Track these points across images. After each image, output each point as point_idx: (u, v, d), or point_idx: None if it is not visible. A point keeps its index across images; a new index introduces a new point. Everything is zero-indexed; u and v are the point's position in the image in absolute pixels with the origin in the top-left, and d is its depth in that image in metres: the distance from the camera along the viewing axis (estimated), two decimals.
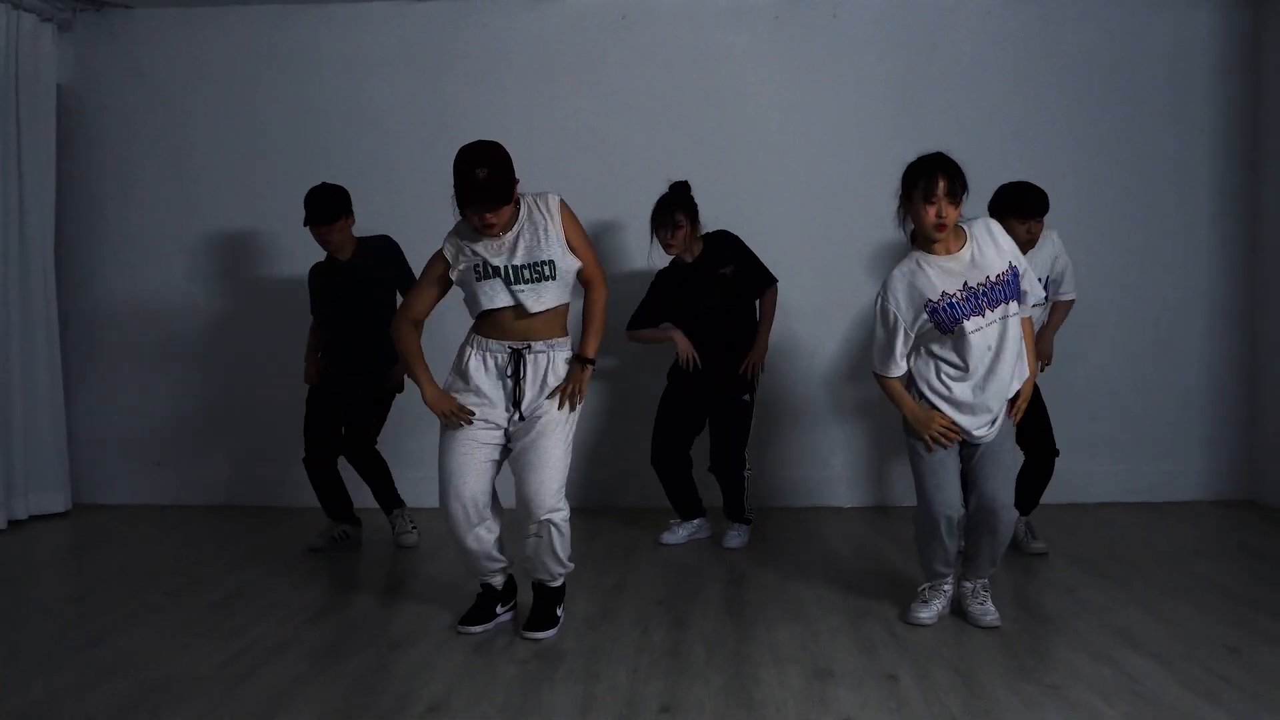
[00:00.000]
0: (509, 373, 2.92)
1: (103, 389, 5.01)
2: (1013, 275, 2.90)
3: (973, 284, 2.86)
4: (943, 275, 2.87)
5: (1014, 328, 2.91)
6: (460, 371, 2.98)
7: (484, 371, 2.94)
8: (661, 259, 4.15)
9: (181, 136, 4.95)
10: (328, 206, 3.88)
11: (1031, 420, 3.47)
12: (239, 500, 4.92)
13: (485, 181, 2.75)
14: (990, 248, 2.91)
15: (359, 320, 3.98)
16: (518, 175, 2.87)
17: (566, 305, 2.99)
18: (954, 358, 2.92)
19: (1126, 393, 4.82)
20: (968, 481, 3.01)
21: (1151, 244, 4.80)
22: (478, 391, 2.93)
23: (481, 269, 2.88)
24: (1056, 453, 3.82)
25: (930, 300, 2.87)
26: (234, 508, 4.87)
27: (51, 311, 4.77)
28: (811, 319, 4.74)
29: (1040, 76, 4.78)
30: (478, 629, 3.04)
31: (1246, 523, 4.41)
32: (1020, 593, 3.38)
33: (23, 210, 4.62)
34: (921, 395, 2.98)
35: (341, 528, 4.11)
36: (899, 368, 2.98)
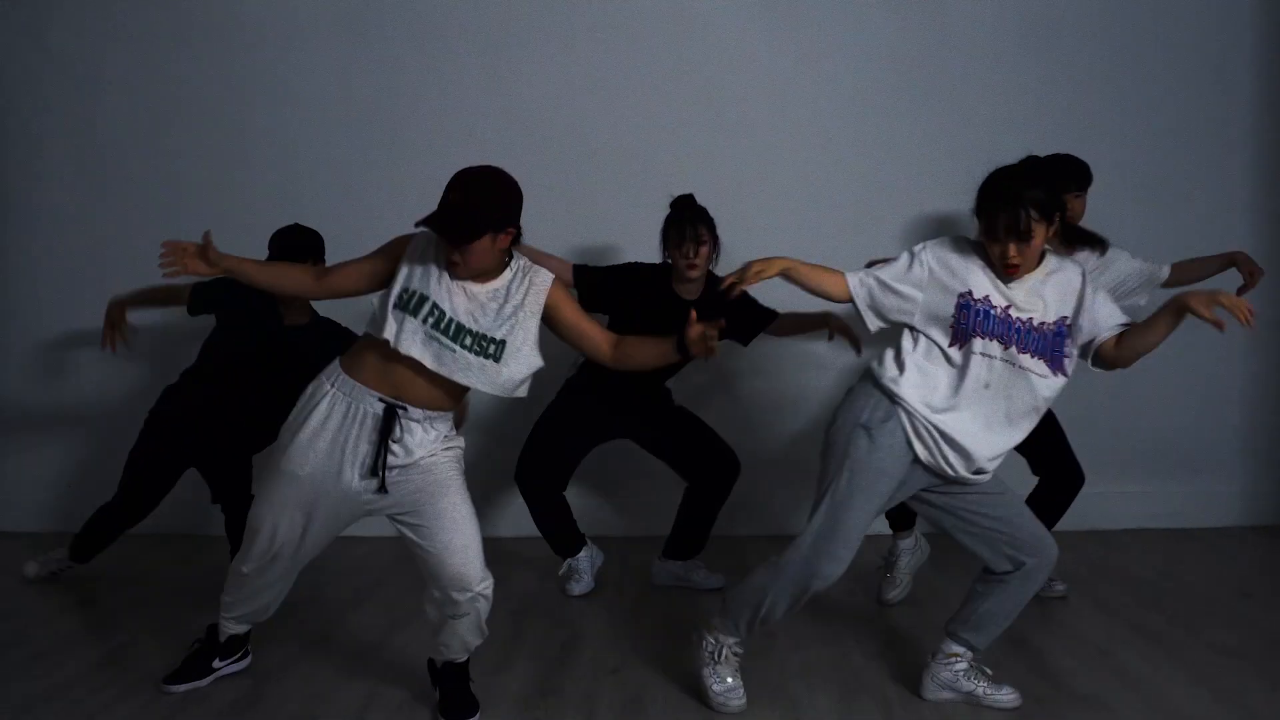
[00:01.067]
0: (373, 434, 2.33)
1: (28, 415, 4.46)
2: (1056, 332, 2.37)
3: (1016, 315, 2.36)
4: (997, 283, 2.38)
5: (1027, 389, 2.38)
6: (307, 416, 2.36)
7: (331, 421, 2.34)
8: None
9: (96, 119, 4.37)
10: (298, 246, 3.29)
11: (1042, 442, 2.98)
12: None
13: (455, 206, 2.23)
14: (1054, 291, 2.40)
15: (272, 390, 3.13)
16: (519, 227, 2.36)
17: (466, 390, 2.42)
18: (941, 381, 2.39)
19: (1154, 404, 4.26)
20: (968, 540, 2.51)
21: (1184, 238, 4.22)
22: (316, 446, 2.34)
23: (415, 303, 2.29)
24: (1082, 478, 3.33)
25: (969, 293, 2.35)
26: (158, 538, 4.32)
27: None
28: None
29: (1048, 48, 4.21)
30: (182, 687, 2.64)
31: None
32: (1041, 655, 2.87)
33: None
34: (898, 397, 2.38)
35: (63, 557, 3.58)
36: (858, 291, 2.42)
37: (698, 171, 3.92)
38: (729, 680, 2.48)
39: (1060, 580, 3.36)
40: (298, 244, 3.31)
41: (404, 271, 2.33)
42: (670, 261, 3.35)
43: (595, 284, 3.38)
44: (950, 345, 2.37)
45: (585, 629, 3.14)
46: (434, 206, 2.27)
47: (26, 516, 4.40)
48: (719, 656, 2.49)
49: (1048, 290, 2.38)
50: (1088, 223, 3.41)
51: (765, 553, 2.57)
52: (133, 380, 4.32)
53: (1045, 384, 2.38)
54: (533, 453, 3.47)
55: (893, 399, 2.38)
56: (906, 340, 2.43)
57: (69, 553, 3.56)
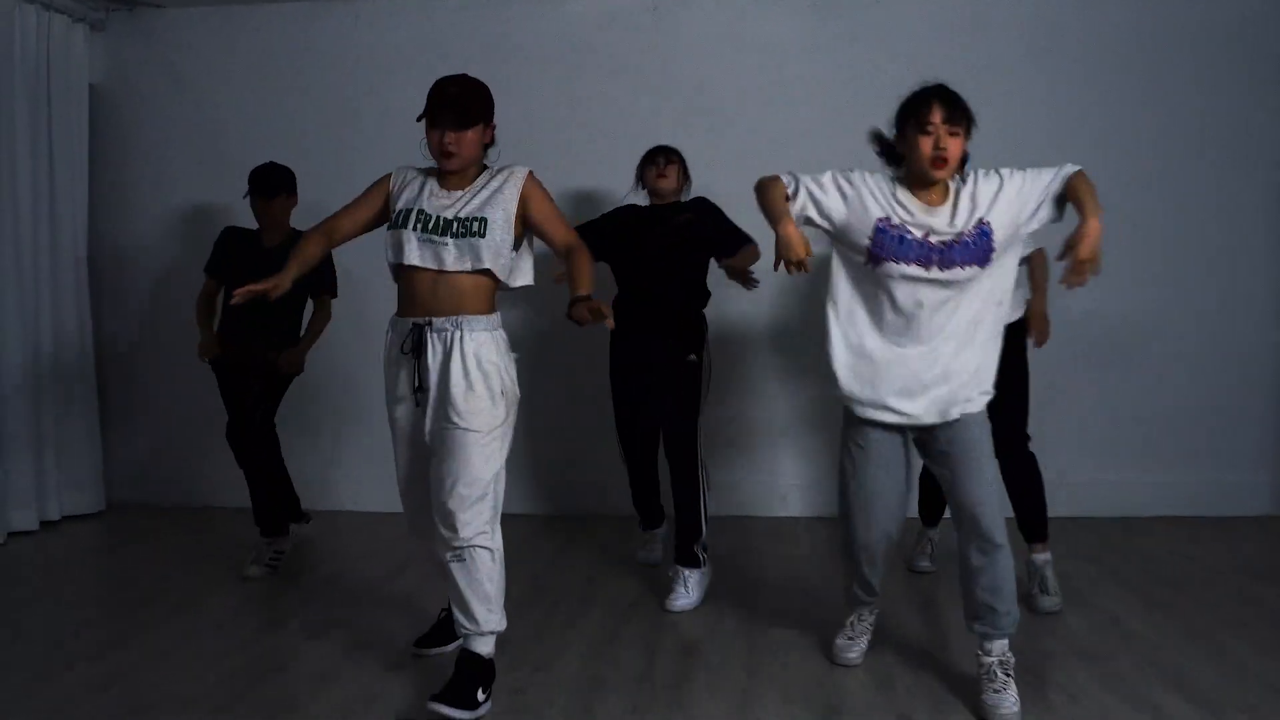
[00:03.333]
0: (406, 349, 2.57)
1: (137, 389, 5.02)
2: (979, 234, 2.47)
3: (935, 238, 2.48)
4: (912, 210, 2.50)
5: (971, 299, 2.51)
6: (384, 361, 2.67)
7: (390, 356, 2.63)
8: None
9: (214, 134, 4.92)
10: (270, 180, 3.80)
11: (1003, 389, 2.73)
12: None
13: (455, 96, 2.54)
14: (966, 200, 2.50)
15: (268, 306, 3.48)
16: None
17: (492, 284, 2.60)
18: (872, 305, 2.56)
19: (1176, 395, 4.48)
20: (943, 494, 2.65)
21: (1205, 235, 4.47)
22: (392, 382, 2.63)
23: (404, 217, 2.57)
24: (1028, 439, 3.27)
25: (883, 219, 2.49)
26: None
27: (84, 311, 4.79)
28: None
29: (1088, 59, 4.47)
30: (433, 651, 2.90)
31: None
32: (1059, 620, 3.16)
33: (54, 210, 4.63)
34: (828, 336, 2.61)
35: (276, 545, 3.81)
36: (796, 197, 2.57)
37: (751, 177, 4.28)
38: (848, 655, 2.81)
39: (1056, 595, 3.27)
40: (272, 180, 3.84)
41: (392, 199, 2.66)
42: (646, 189, 3.70)
43: (591, 247, 3.49)
44: (866, 264, 2.52)
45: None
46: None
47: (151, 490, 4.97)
48: (847, 631, 2.84)
49: (963, 201, 2.50)
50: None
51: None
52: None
53: (976, 284, 2.50)
54: (621, 426, 3.72)
55: (846, 399, 2.62)
56: (829, 309, 2.61)
57: (262, 533, 3.81)
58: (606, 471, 4.35)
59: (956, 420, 2.55)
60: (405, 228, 2.57)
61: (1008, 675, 2.50)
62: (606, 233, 3.64)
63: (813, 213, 2.59)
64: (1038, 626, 3.06)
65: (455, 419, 2.49)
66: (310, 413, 4.61)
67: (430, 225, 2.55)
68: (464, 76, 2.62)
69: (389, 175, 2.74)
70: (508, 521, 2.61)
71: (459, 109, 2.54)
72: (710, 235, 3.61)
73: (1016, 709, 2.45)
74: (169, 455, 4.99)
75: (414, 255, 2.55)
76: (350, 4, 4.79)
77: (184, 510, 4.82)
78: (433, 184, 2.64)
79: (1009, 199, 2.50)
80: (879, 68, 4.51)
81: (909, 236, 2.48)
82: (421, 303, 2.57)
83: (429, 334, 2.54)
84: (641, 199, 3.77)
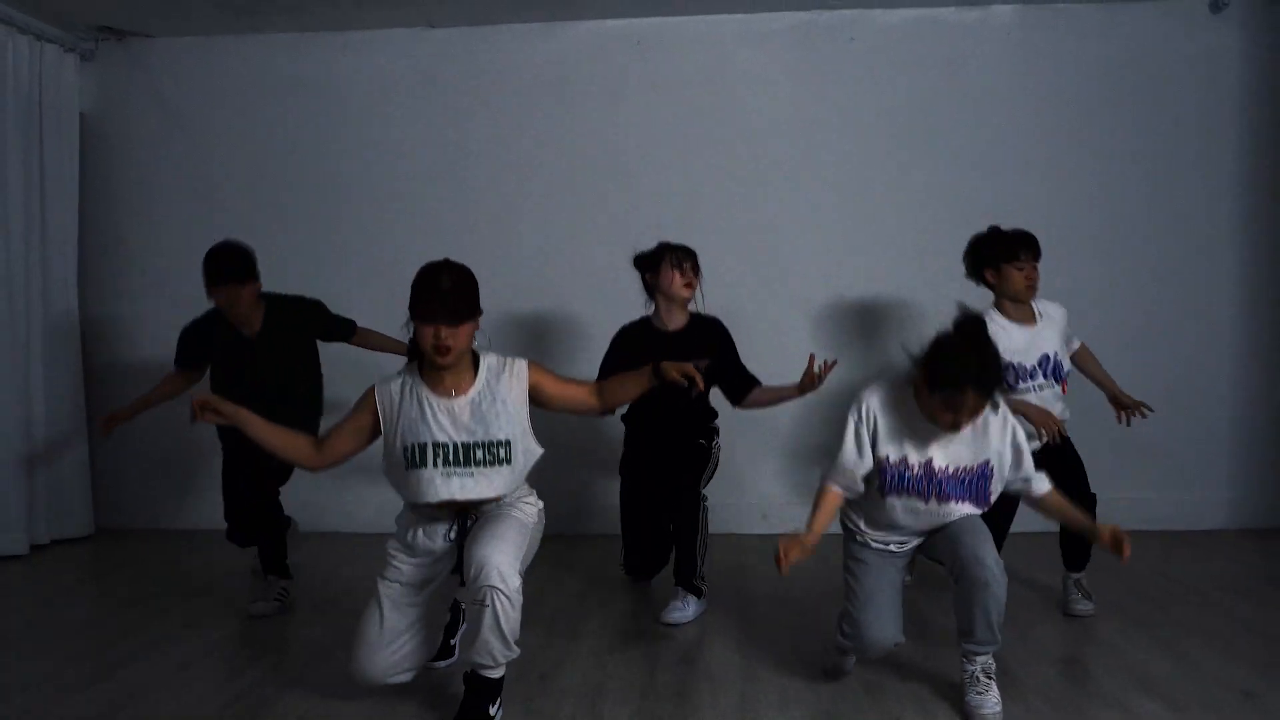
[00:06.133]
0: (451, 536, 2.60)
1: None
2: (980, 475, 2.62)
3: (939, 466, 2.61)
4: (921, 434, 2.59)
5: (959, 510, 2.66)
6: (403, 543, 2.66)
7: (428, 540, 2.62)
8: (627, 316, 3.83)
9: (202, 162, 5.01)
10: (240, 262, 3.43)
11: (1066, 466, 3.30)
12: None
13: (447, 291, 2.45)
14: (980, 437, 2.60)
15: (276, 396, 3.38)
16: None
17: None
18: (884, 508, 2.71)
19: (1147, 419, 4.69)
20: (938, 553, 2.78)
21: (1175, 263, 4.72)
22: (422, 553, 2.64)
23: (419, 453, 2.50)
24: (1094, 498, 3.50)
25: (885, 459, 2.63)
26: None
27: (74, 335, 4.84)
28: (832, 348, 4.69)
29: (1061, 95, 4.71)
30: (441, 664, 2.96)
31: (1276, 553, 4.31)
32: (1034, 630, 3.32)
33: (45, 236, 4.70)
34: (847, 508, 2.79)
35: (281, 584, 3.72)
36: (846, 478, 2.67)
37: (732, 209, 4.47)
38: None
39: (1090, 601, 3.51)
40: (243, 262, 3.49)
41: (388, 428, 2.55)
42: (654, 300, 3.65)
43: (616, 368, 3.46)
44: (876, 489, 2.68)
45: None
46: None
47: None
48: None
49: (974, 437, 2.60)
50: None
51: None
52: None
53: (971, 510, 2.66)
54: (630, 555, 3.83)
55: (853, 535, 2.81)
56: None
57: (265, 571, 3.69)
58: (593, 492, 4.48)
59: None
60: (425, 467, 2.50)
61: (989, 679, 2.64)
62: (626, 355, 3.58)
63: (867, 465, 2.66)
64: (1017, 634, 3.21)
65: (494, 518, 2.56)
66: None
67: (452, 457, 2.51)
68: (451, 266, 2.52)
69: (371, 394, 2.60)
70: None
71: (453, 306, 2.46)
72: (722, 373, 3.66)
73: (998, 709, 2.59)
74: (157, 480, 5.03)
75: (444, 493, 2.52)
76: (339, 34, 4.90)
77: (172, 535, 4.87)
78: (426, 394, 2.54)
79: (1008, 460, 2.65)
80: (859, 99, 4.72)
81: (909, 474, 2.62)
82: (457, 507, 2.58)
83: (471, 515, 2.59)
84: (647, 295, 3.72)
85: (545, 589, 3.87)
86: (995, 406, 2.59)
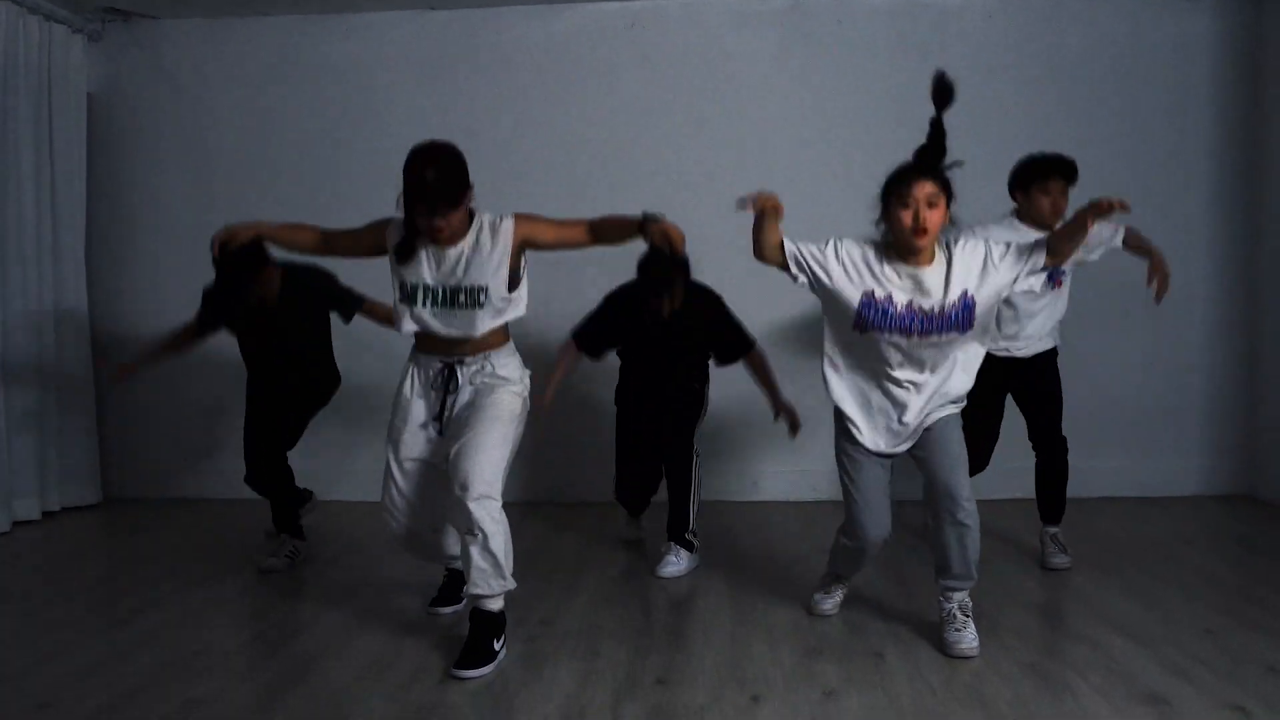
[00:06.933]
0: (436, 384, 2.86)
1: (132, 385, 5.17)
2: (962, 307, 2.70)
3: (917, 306, 2.70)
4: (896, 280, 2.71)
5: (948, 353, 2.76)
6: (399, 390, 2.91)
7: (414, 388, 2.88)
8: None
9: (207, 142, 5.13)
10: (257, 252, 3.50)
11: (1041, 402, 3.51)
12: None
13: (434, 182, 2.61)
14: (958, 268, 2.70)
15: (296, 355, 3.82)
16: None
17: (504, 324, 2.87)
18: (865, 360, 2.81)
19: (1124, 388, 4.92)
20: (918, 464, 2.86)
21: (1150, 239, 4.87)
22: (405, 410, 2.87)
23: (414, 292, 2.78)
24: (1064, 442, 3.67)
25: (871, 292, 2.71)
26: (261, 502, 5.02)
27: (82, 311, 4.97)
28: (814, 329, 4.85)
29: (1042, 78, 4.87)
30: (447, 610, 3.14)
31: (1243, 517, 4.49)
32: (1010, 580, 3.49)
33: (55, 214, 4.82)
34: (833, 391, 2.85)
35: (293, 542, 3.87)
36: (787, 250, 2.80)
37: (720, 188, 4.59)
38: (824, 605, 3.11)
39: (1066, 554, 3.64)
40: (260, 252, 3.52)
41: (393, 262, 2.79)
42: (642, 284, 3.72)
43: (596, 337, 3.84)
44: (854, 329, 2.74)
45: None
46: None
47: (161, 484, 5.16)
48: (824, 587, 3.13)
49: (950, 271, 2.70)
50: None
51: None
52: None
53: (958, 343, 2.74)
54: (621, 486, 3.99)
55: (839, 417, 2.87)
56: (827, 343, 2.86)
57: (278, 530, 3.90)
58: (588, 459, 4.63)
59: (931, 425, 2.82)
60: (417, 305, 2.79)
61: (967, 617, 2.80)
62: (619, 324, 3.79)
63: (811, 262, 2.78)
64: (994, 584, 3.37)
65: (474, 415, 2.76)
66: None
67: (440, 299, 2.78)
68: (435, 154, 2.65)
69: (388, 223, 2.84)
70: None
71: (442, 194, 2.63)
72: (715, 341, 3.84)
73: (976, 644, 2.75)
74: (165, 448, 5.17)
75: (432, 326, 2.80)
76: (343, 16, 5.04)
77: (180, 503, 5.00)
78: (425, 241, 2.76)
79: (992, 274, 2.71)
80: (845, 80, 4.88)
81: (892, 310, 2.70)
82: (447, 348, 2.83)
83: (460, 370, 2.84)
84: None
85: (544, 549, 4.02)
86: (956, 241, 2.75)
